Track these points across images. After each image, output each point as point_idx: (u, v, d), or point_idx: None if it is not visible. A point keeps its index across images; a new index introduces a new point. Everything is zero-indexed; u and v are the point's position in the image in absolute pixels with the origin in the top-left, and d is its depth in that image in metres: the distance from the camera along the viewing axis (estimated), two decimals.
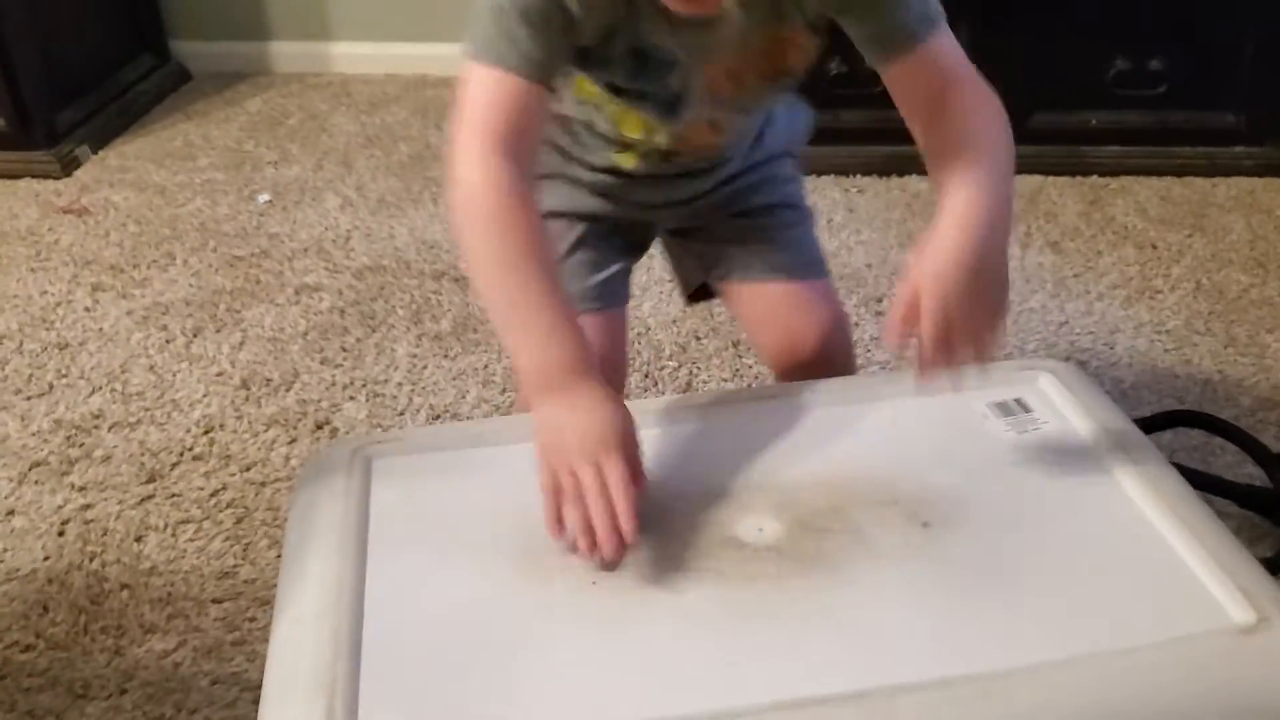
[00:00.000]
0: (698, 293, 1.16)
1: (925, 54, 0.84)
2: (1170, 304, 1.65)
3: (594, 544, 0.70)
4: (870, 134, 2.00)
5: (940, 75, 0.84)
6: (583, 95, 0.94)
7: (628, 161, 0.99)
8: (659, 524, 0.74)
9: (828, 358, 1.03)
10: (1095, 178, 1.99)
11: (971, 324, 0.75)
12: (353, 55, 2.53)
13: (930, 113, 0.84)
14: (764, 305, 1.07)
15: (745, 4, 0.85)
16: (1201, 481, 1.27)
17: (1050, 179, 1.99)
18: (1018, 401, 0.88)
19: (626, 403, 0.79)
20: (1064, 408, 0.87)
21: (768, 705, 0.62)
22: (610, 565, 0.70)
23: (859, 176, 2.01)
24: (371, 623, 0.69)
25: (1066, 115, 2.00)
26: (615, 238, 1.06)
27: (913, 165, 2.02)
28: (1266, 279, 1.70)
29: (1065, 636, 0.67)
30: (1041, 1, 1.92)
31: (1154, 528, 0.76)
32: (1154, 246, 1.79)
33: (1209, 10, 1.90)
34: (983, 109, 0.83)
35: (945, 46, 0.85)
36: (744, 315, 1.12)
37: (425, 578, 0.72)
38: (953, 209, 0.77)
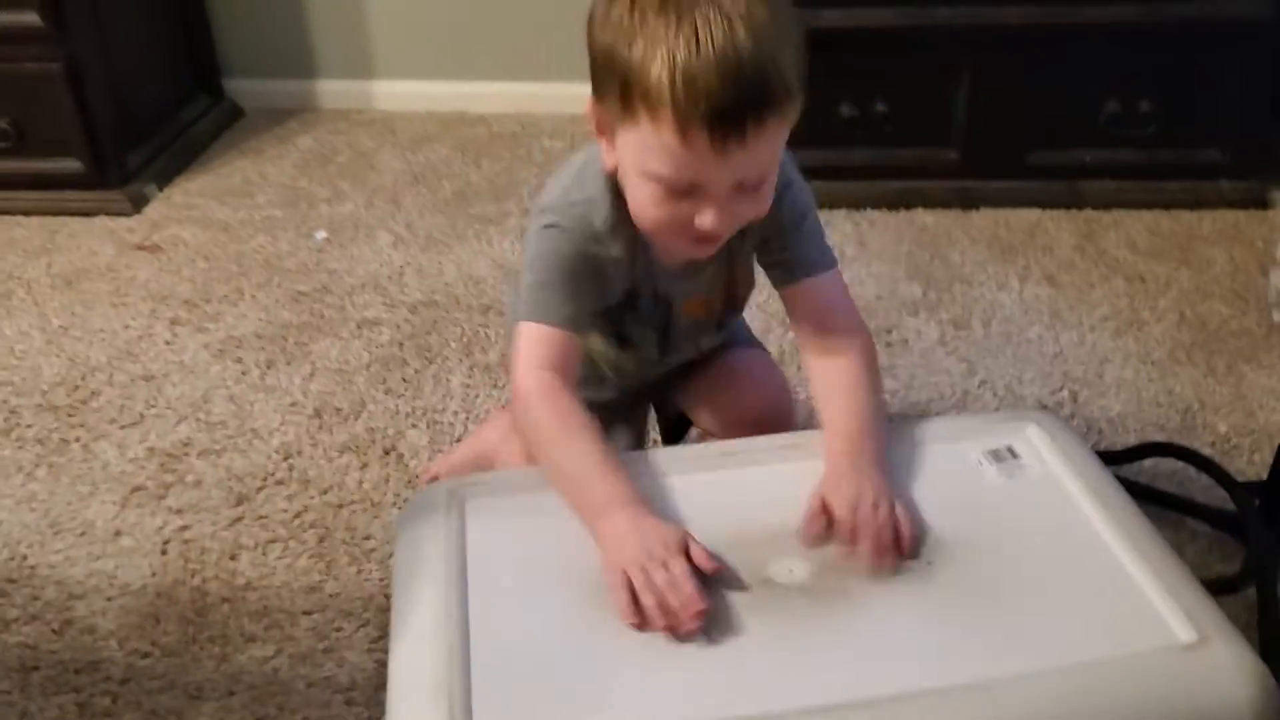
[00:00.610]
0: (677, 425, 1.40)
1: (822, 282, 1.08)
2: (1156, 335, 1.80)
3: (669, 626, 0.83)
4: (880, 170, 2.17)
5: (831, 302, 1.08)
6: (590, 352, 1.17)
7: (633, 382, 1.26)
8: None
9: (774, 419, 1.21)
10: (1089, 211, 2.15)
11: (870, 504, 0.92)
12: (395, 93, 2.70)
13: (819, 338, 1.07)
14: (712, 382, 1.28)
15: (700, 273, 1.11)
16: (1176, 504, 1.43)
17: (1047, 212, 2.14)
18: (1008, 449, 1.03)
19: (671, 447, 0.98)
20: (1047, 454, 1.02)
21: (796, 710, 0.78)
22: (689, 638, 0.84)
23: (869, 210, 2.17)
24: (477, 641, 0.85)
25: (1062, 152, 2.16)
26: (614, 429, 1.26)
27: (919, 199, 2.21)
28: (1246, 310, 1.85)
29: (1036, 652, 0.82)
30: (1039, 47, 2.06)
31: (1116, 557, 0.91)
32: (1142, 279, 1.95)
33: (1194, 55, 2.05)
34: (860, 358, 1.06)
35: (835, 285, 1.09)
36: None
37: (518, 603, 0.89)
38: (842, 437, 0.99)
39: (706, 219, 0.93)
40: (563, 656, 0.84)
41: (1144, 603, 0.87)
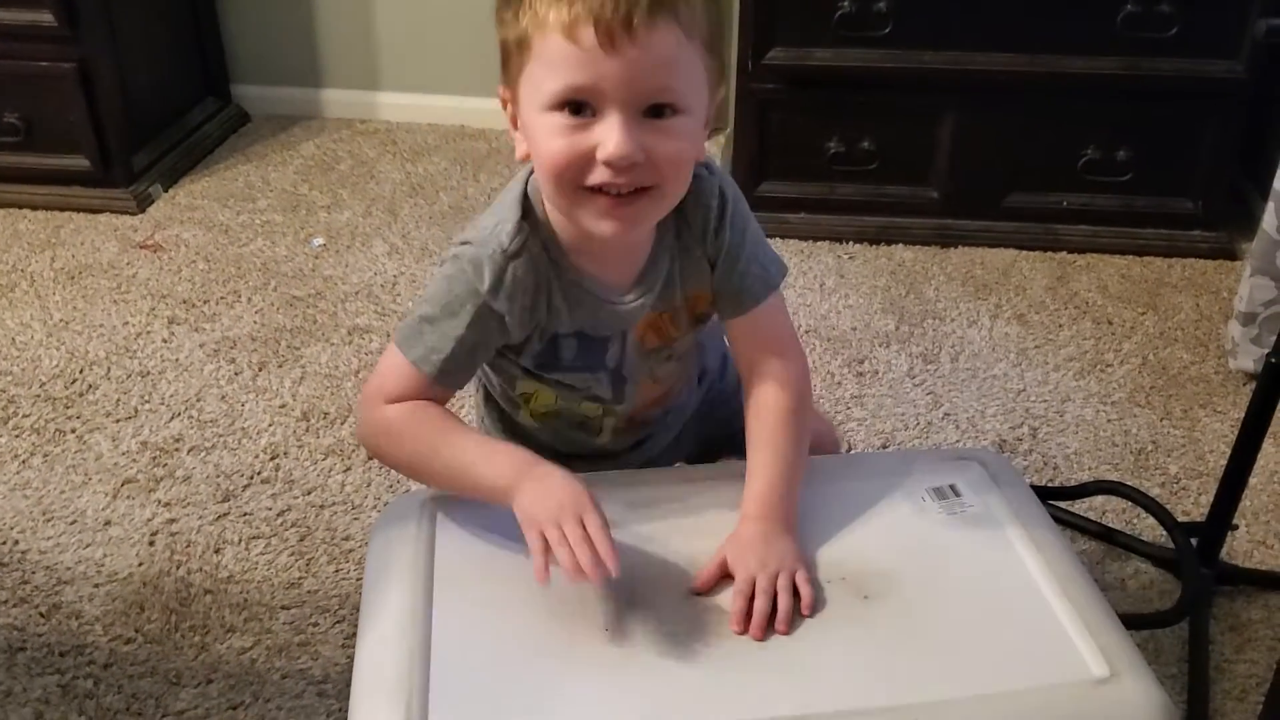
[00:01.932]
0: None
1: (764, 310, 1.05)
2: (1118, 377, 1.87)
3: (579, 574, 0.88)
4: (863, 205, 2.24)
5: (771, 330, 1.06)
6: (535, 407, 1.12)
7: (604, 439, 1.16)
8: (655, 580, 0.95)
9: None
10: (1064, 254, 2.22)
11: (771, 576, 0.94)
12: (398, 104, 2.77)
13: (755, 363, 1.06)
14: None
15: (645, 289, 1.02)
16: (1122, 542, 1.50)
17: (1023, 253, 2.21)
18: (951, 487, 1.07)
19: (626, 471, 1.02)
20: (988, 493, 1.06)
21: None
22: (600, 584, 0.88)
23: (851, 244, 2.24)
24: (438, 643, 0.91)
25: (1041, 196, 2.23)
26: None
27: (900, 235, 2.28)
28: (1205, 357, 1.92)
29: (959, 680, 0.88)
30: (1022, 94, 2.13)
31: (1042, 594, 0.97)
32: (1110, 322, 2.02)
33: (1171, 109, 2.12)
34: (791, 391, 1.04)
35: (779, 304, 1.07)
36: None
37: (480, 608, 0.94)
38: (757, 498, 0.99)
39: (608, 140, 0.86)
40: (520, 664, 0.89)
41: (1063, 638, 0.92)
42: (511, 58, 0.91)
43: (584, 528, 0.89)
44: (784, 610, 0.91)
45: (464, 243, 1.00)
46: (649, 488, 1.07)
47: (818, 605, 0.94)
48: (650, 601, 0.94)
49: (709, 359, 1.23)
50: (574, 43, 0.84)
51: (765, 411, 1.05)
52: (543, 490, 0.93)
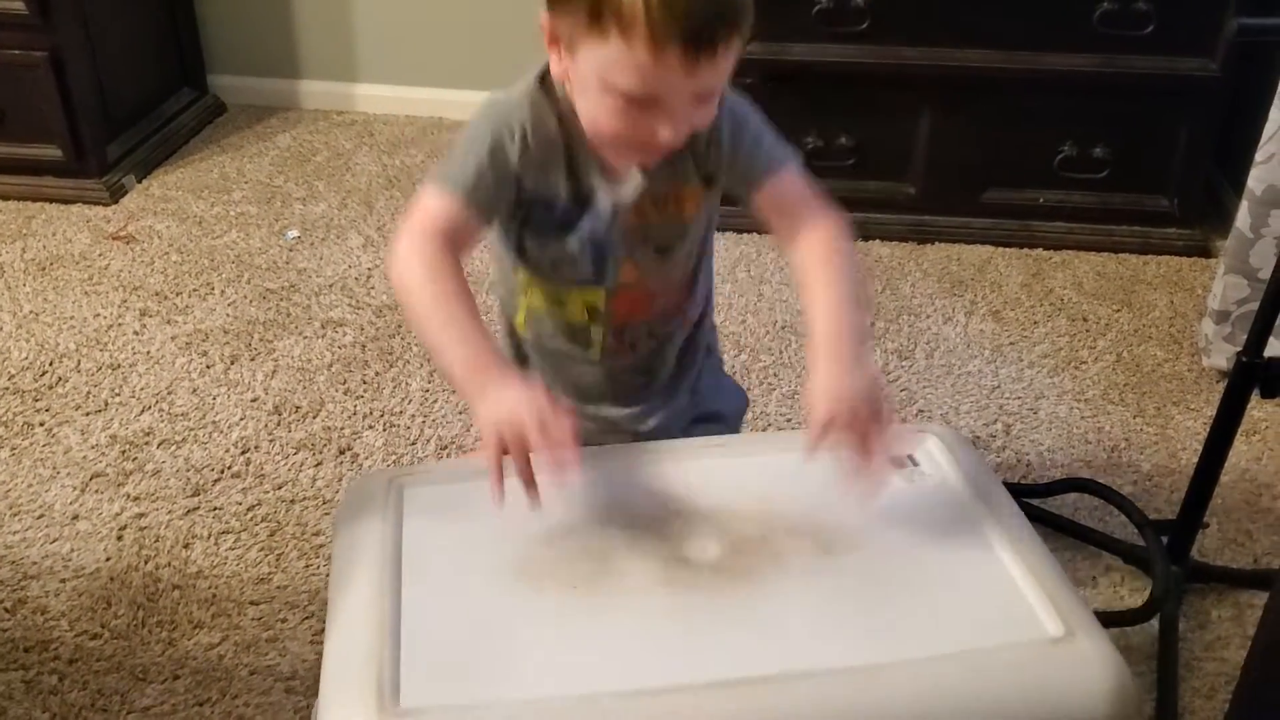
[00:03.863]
0: None
1: (782, 178, 1.10)
2: (1092, 374, 1.88)
3: (533, 487, 0.90)
4: (841, 201, 2.21)
5: (796, 194, 1.10)
6: (532, 304, 1.19)
7: (595, 354, 1.21)
8: (627, 541, 0.96)
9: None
10: (1040, 250, 2.22)
11: (868, 424, 0.97)
12: (376, 96, 2.75)
13: (791, 226, 1.09)
14: None
15: (651, 169, 1.09)
16: (1093, 539, 1.50)
17: (999, 250, 2.22)
18: (910, 457, 1.09)
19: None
20: (944, 464, 1.08)
21: (699, 684, 0.84)
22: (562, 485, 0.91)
23: None
24: (408, 619, 0.90)
25: (1017, 193, 2.23)
26: None
27: (877, 231, 2.28)
28: (1179, 355, 1.93)
29: (918, 640, 0.89)
30: (999, 90, 2.13)
31: (997, 557, 0.97)
32: (1085, 319, 2.02)
33: (1147, 107, 2.13)
34: (832, 232, 1.08)
35: (798, 176, 1.11)
36: None
37: (448, 584, 0.94)
38: (825, 341, 1.01)
39: (666, 131, 0.97)
40: (488, 633, 0.89)
41: (1018, 598, 0.94)
42: (576, 10, 0.94)
43: (550, 428, 0.91)
44: (875, 446, 0.95)
45: (489, 101, 1.08)
46: (632, 456, 1.09)
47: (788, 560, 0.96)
48: (620, 563, 0.95)
49: (698, 290, 1.25)
50: (657, 59, 0.92)
51: (810, 257, 1.07)
52: (498, 396, 0.94)
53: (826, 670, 0.86)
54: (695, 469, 1.06)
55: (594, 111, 1.00)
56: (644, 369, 1.25)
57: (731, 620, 0.90)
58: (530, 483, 0.92)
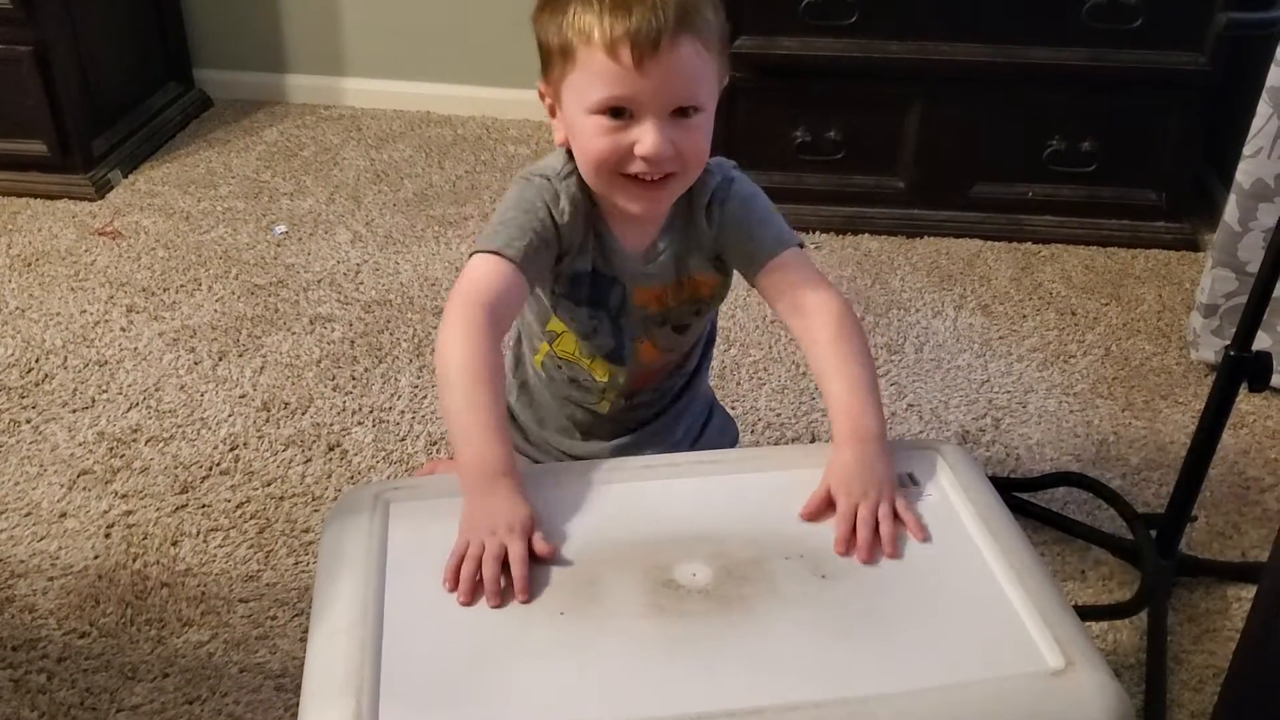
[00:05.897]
0: None
1: (786, 260, 1.14)
2: (1081, 368, 1.88)
3: (470, 597, 0.91)
4: (830, 195, 2.24)
5: (801, 275, 1.13)
6: (560, 348, 1.24)
7: (604, 409, 1.27)
8: (617, 564, 0.95)
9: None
10: (1029, 244, 2.22)
11: (873, 505, 0.99)
12: (363, 90, 2.74)
13: (797, 307, 1.12)
14: None
15: (648, 259, 1.16)
16: (1083, 533, 1.50)
17: (988, 244, 2.22)
18: (910, 475, 1.08)
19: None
20: (945, 483, 1.07)
21: (688, 715, 0.83)
22: (495, 606, 0.92)
23: (818, 234, 2.23)
24: (390, 636, 0.90)
25: (1006, 186, 2.23)
26: None
27: (866, 225, 2.28)
28: (1168, 348, 1.93)
29: (915, 671, 0.88)
30: (988, 84, 2.13)
31: (998, 584, 0.97)
32: (1073, 313, 2.02)
33: (1136, 100, 2.13)
34: (841, 311, 1.11)
35: (804, 258, 1.15)
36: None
37: (432, 601, 0.93)
38: (838, 420, 1.06)
39: (645, 140, 1.03)
40: (471, 656, 0.88)
41: (1019, 628, 0.92)
42: (554, 61, 1.05)
43: (509, 549, 0.93)
44: (888, 536, 0.98)
45: (526, 175, 1.14)
46: (619, 472, 1.08)
47: (786, 587, 0.95)
48: (609, 587, 0.94)
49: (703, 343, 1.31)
50: (615, 60, 1.00)
51: (819, 340, 1.10)
52: (490, 503, 0.96)
53: (819, 702, 0.84)
54: (687, 487, 1.05)
55: (583, 142, 1.05)
56: (641, 417, 1.30)
57: (723, 648, 0.89)
58: (468, 589, 0.92)
